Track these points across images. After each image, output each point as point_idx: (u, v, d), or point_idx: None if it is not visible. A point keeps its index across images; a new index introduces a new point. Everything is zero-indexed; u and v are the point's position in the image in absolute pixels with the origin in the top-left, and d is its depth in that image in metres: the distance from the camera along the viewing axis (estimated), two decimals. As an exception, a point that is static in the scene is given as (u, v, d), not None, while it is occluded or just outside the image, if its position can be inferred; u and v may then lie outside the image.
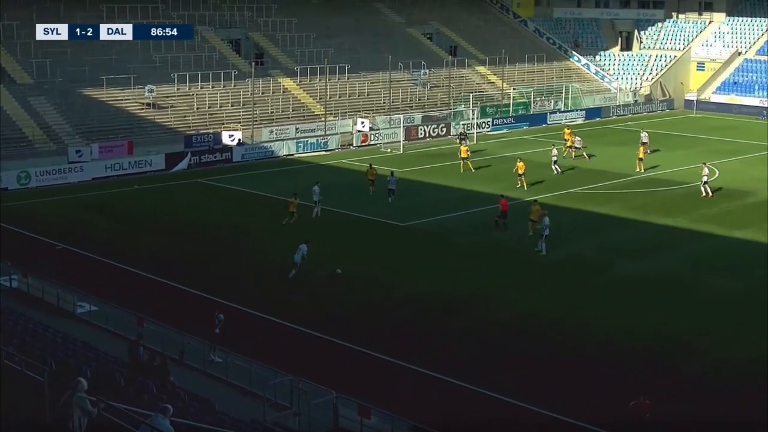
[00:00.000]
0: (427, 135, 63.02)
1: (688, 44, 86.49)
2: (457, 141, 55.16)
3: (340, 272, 32.37)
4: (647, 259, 35.29)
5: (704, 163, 46.47)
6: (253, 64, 64.18)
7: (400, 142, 58.98)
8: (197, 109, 59.70)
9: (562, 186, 47.45)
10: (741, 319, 29.14)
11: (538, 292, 31.11)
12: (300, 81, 65.50)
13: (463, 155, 50.11)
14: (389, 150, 57.57)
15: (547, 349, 26.14)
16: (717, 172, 51.62)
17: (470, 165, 50.15)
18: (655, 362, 25.42)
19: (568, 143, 54.54)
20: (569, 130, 57.77)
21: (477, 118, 65.42)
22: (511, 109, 71.72)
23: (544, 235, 34.37)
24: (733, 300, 30.85)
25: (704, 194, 44.83)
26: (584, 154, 54.20)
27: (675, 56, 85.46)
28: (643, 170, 50.03)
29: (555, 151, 50.60)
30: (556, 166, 49.97)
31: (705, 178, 44.99)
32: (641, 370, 24.76)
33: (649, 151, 53.83)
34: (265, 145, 56.53)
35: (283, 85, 65.07)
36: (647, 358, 25.71)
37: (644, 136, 54.61)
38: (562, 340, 26.87)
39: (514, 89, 74.50)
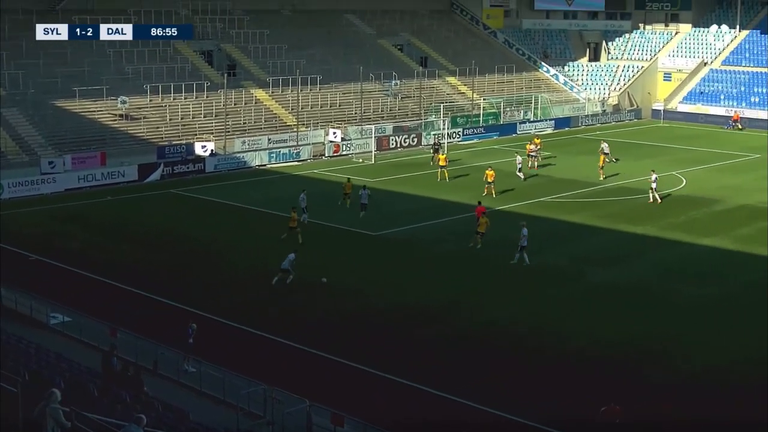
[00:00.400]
0: (399, 145, 62.84)
1: (654, 55, 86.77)
2: (432, 151, 55.32)
3: (325, 281, 32.59)
4: (617, 266, 35.46)
5: (653, 171, 46.83)
6: (226, 75, 64.44)
7: (371, 152, 58.80)
8: (170, 120, 59.62)
9: (531, 195, 47.43)
10: (710, 325, 29.43)
11: (512, 300, 31.24)
12: (272, 92, 65.38)
13: (441, 163, 50.19)
14: (361, 160, 57.49)
15: (520, 357, 26.28)
16: (684, 180, 52.26)
17: (446, 174, 50.24)
18: (625, 368, 25.56)
19: (531, 147, 55.09)
20: (539, 140, 58.29)
21: (448, 128, 65.08)
22: (481, 119, 71.70)
23: (521, 246, 34.27)
24: (702, 307, 31.09)
25: (651, 200, 45.33)
26: (535, 163, 54.62)
27: (642, 66, 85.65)
28: (603, 178, 50.55)
29: (519, 159, 50.99)
30: (520, 173, 50.52)
31: (654, 185, 45.42)
32: (612, 376, 24.97)
33: (611, 160, 54.42)
34: (238, 155, 56.44)
35: (256, 96, 64.98)
36: (618, 364, 25.88)
37: (605, 147, 54.82)
38: (535, 347, 27.01)
39: (484, 100, 74.45)
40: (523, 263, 34.30)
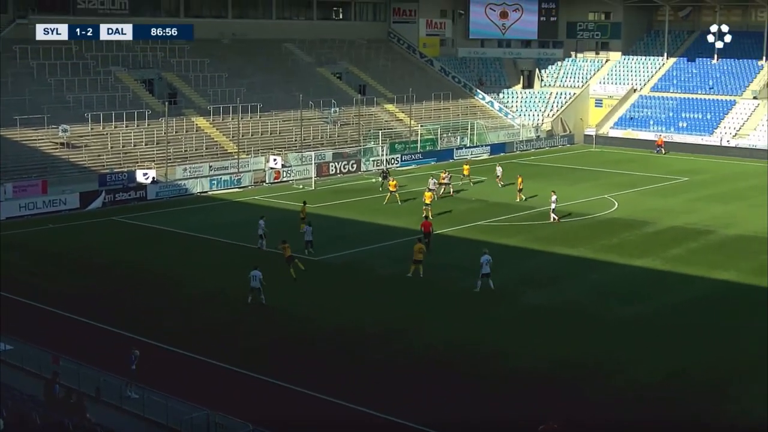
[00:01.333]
0: (338, 171, 63.00)
1: (586, 82, 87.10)
2: (380, 177, 55.72)
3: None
4: (553, 288, 35.53)
5: (553, 192, 47.47)
6: (167, 103, 63.86)
7: (311, 178, 58.85)
8: (111, 148, 59.04)
9: (468, 219, 47.36)
10: (643, 343, 29.61)
11: (452, 322, 31.22)
12: (213, 120, 65.01)
13: (392, 188, 50.46)
14: (301, 186, 57.51)
15: (460, 378, 26.32)
16: (616, 203, 52.26)
17: (398, 197, 50.75)
18: (562, 387, 25.77)
19: (465, 172, 56.01)
20: (468, 166, 58.83)
21: (386, 154, 65.83)
22: (419, 145, 71.69)
23: (483, 273, 34.07)
24: (635, 325, 31.32)
25: (552, 220, 46.11)
26: (450, 189, 54.57)
27: (574, 93, 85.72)
28: (521, 200, 51.24)
29: (433, 181, 51.21)
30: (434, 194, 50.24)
31: (553, 205, 46.13)
32: (550, 394, 25.15)
33: (501, 185, 55.16)
34: (179, 182, 55.96)
35: (197, 124, 64.51)
36: (555, 383, 26.04)
37: (498, 171, 56.15)
38: (474, 368, 27.09)
39: (421, 126, 74.42)
40: (489, 287, 34.17)
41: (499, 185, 54.89)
